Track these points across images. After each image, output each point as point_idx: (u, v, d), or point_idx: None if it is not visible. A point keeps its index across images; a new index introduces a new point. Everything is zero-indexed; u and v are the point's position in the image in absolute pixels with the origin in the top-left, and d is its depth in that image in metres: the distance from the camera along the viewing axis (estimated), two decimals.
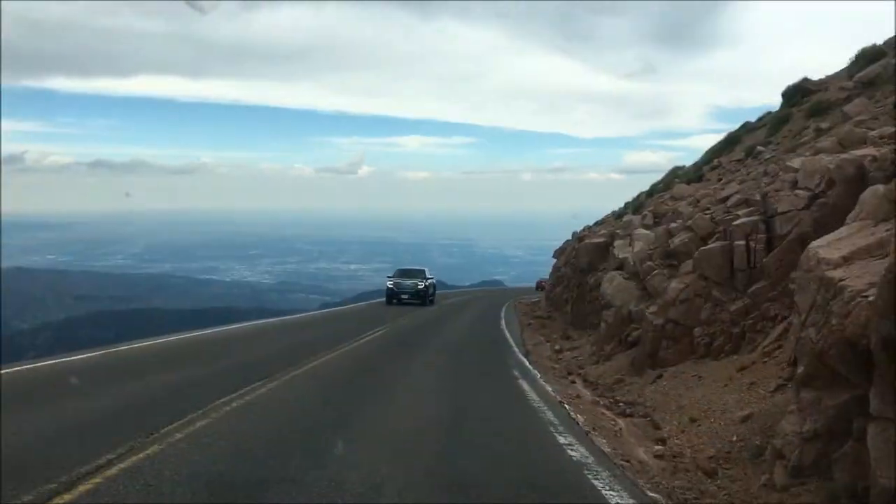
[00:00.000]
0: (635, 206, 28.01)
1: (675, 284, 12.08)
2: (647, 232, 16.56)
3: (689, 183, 22.39)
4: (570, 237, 36.35)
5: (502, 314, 29.60)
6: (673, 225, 14.81)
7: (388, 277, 33.42)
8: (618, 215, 30.51)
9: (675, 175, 28.30)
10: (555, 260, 38.27)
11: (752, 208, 11.80)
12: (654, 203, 21.78)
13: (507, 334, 21.07)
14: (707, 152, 27.29)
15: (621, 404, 10.36)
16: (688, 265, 12.31)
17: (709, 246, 11.98)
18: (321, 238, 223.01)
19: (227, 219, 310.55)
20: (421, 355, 14.69)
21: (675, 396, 9.70)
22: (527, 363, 14.38)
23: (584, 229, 33.28)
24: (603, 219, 33.72)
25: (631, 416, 9.48)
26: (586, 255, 22.48)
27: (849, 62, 20.15)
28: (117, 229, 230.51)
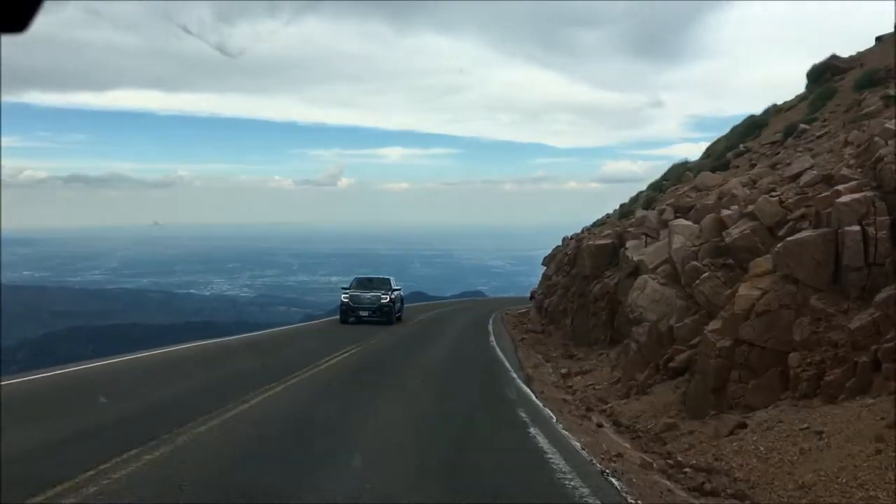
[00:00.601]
0: (646, 202, 24.04)
1: (745, 291, 8.96)
2: (689, 223, 13.12)
3: (714, 171, 19.36)
4: (559, 243, 34.35)
5: (490, 328, 26.76)
6: (726, 213, 11.87)
7: (344, 289, 26.85)
8: (622, 214, 26.73)
9: (686, 168, 25.28)
10: (544, 268, 35.95)
11: (849, 184, 8.88)
12: (674, 197, 18.64)
13: (500, 353, 18.29)
14: (722, 139, 25.33)
15: (688, 470, 6.94)
16: (761, 264, 9.31)
17: (799, 236, 8.82)
18: (301, 251, 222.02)
19: (205, 232, 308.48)
20: (395, 388, 11.86)
21: (782, 464, 6.27)
22: (532, 396, 11.46)
23: (582, 231, 30.15)
24: (602, 219, 30.90)
25: (715, 494, 6.12)
26: (589, 259, 19.93)
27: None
28: (94, 244, 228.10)
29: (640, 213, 19.78)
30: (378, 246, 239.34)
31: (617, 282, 17.06)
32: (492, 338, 22.64)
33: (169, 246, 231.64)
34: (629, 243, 16.85)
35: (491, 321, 30.00)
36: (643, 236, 16.51)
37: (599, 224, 29.60)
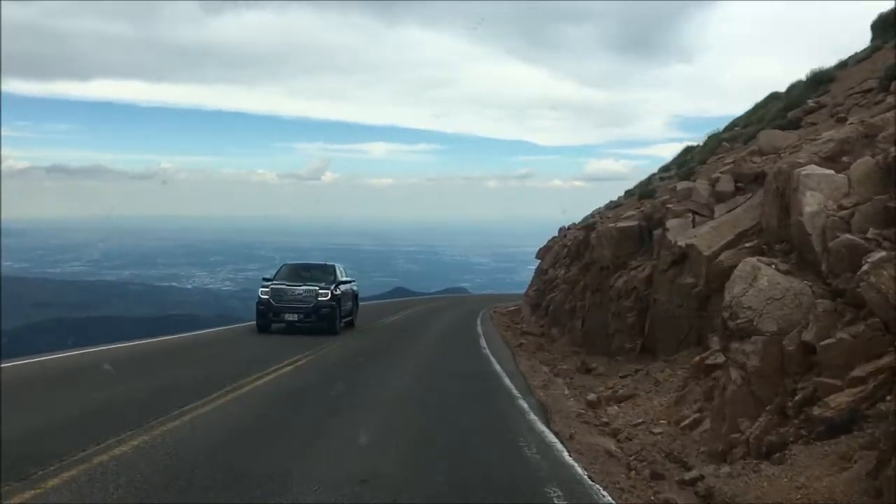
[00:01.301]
0: (683, 174, 19.13)
1: None
2: (829, 172, 8.27)
3: (782, 129, 14.97)
4: (549, 238, 32.84)
5: (479, 328, 24.15)
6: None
7: (265, 281, 19.86)
8: (643, 194, 21.25)
9: (717, 138, 21.27)
10: (539, 261, 33.53)
11: None
12: (735, 161, 14.28)
13: (497, 366, 14.53)
14: (758, 106, 21.96)
15: None
16: None
17: None
18: (284, 245, 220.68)
19: (187, 225, 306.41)
20: (345, 432, 7.83)
21: None
22: (558, 446, 7.64)
23: (594, 215, 26.12)
24: (617, 201, 26.22)
25: None
26: (610, 246, 16.33)
27: None
28: (75, 235, 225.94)
29: (682, 185, 15.40)
30: (361, 241, 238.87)
31: (650, 273, 13.97)
32: (483, 341, 19.42)
33: (150, 238, 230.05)
34: (671, 223, 13.38)
35: (479, 320, 27.99)
36: (689, 214, 13.21)
37: (613, 206, 25.14)
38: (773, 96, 21.30)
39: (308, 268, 21.38)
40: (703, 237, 11.67)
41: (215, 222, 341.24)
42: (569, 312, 20.14)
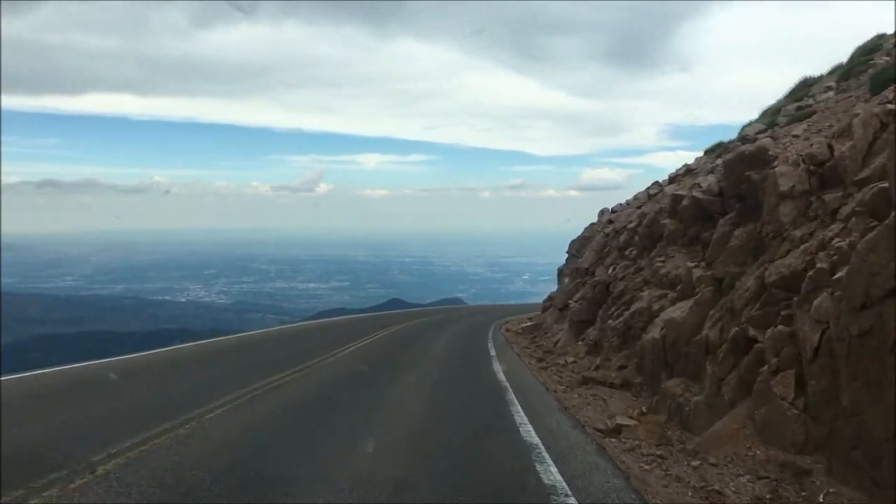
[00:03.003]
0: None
1: None
2: None
3: None
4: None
5: (496, 363, 15.15)
6: None
7: None
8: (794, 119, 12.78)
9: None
10: (567, 257, 27.27)
11: None
12: None
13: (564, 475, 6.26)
14: None
15: None
16: None
17: None
18: (278, 257, 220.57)
19: (180, 238, 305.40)
20: None
21: None
22: None
23: (654, 187, 21.20)
24: (689, 165, 19.06)
25: None
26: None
27: None
28: (67, 250, 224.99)
29: None
30: (356, 252, 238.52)
31: None
32: (517, 405, 9.92)
33: (144, 252, 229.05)
34: None
35: (491, 343, 20.19)
36: None
37: (684, 173, 18.66)
38: None
39: None
40: None
41: (209, 235, 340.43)
42: (731, 356, 8.66)
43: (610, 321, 15.39)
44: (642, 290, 14.34)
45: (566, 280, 25.11)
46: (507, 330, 25.98)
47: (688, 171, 18.78)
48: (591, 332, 17.34)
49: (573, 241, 27.66)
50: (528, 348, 20.03)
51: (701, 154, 19.97)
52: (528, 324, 26.28)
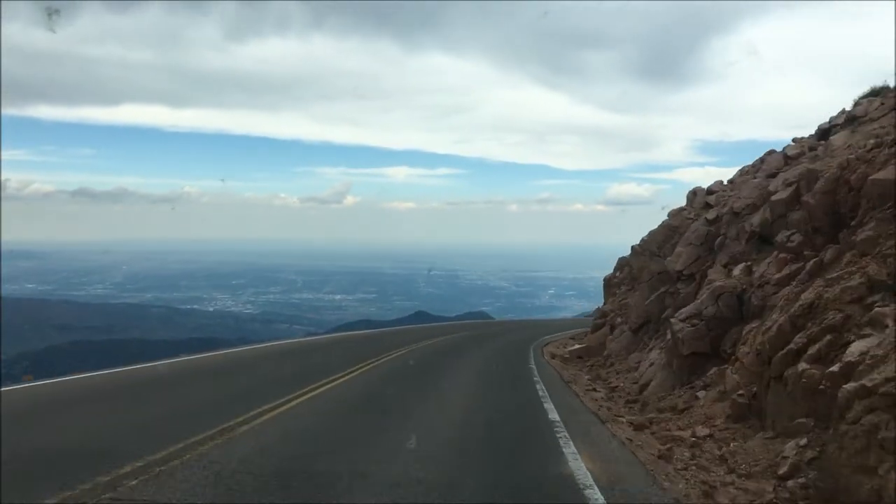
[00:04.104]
0: None
1: None
2: None
3: None
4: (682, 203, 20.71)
5: (562, 434, 8.42)
6: None
7: None
8: None
9: None
10: (629, 257, 22.72)
11: None
12: None
13: None
14: None
15: None
16: None
17: None
18: (305, 268, 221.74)
19: (210, 248, 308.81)
20: None
21: None
22: None
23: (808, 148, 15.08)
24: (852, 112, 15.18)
25: None
26: None
27: None
28: (98, 258, 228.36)
29: None
30: (383, 264, 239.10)
31: None
32: None
33: (173, 261, 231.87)
34: None
35: (541, 388, 13.01)
36: None
37: (850, 122, 14.74)
38: None
39: None
40: None
41: (238, 245, 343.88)
42: None
43: (800, 365, 7.11)
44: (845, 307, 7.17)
45: (644, 288, 18.79)
46: (553, 356, 20.70)
47: (849, 118, 14.87)
48: (723, 377, 10.15)
49: (653, 231, 21.71)
50: (594, 390, 14.04)
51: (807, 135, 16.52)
52: (576, 346, 22.11)
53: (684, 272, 15.93)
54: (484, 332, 33.96)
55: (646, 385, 13.22)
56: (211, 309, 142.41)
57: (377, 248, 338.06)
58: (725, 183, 19.89)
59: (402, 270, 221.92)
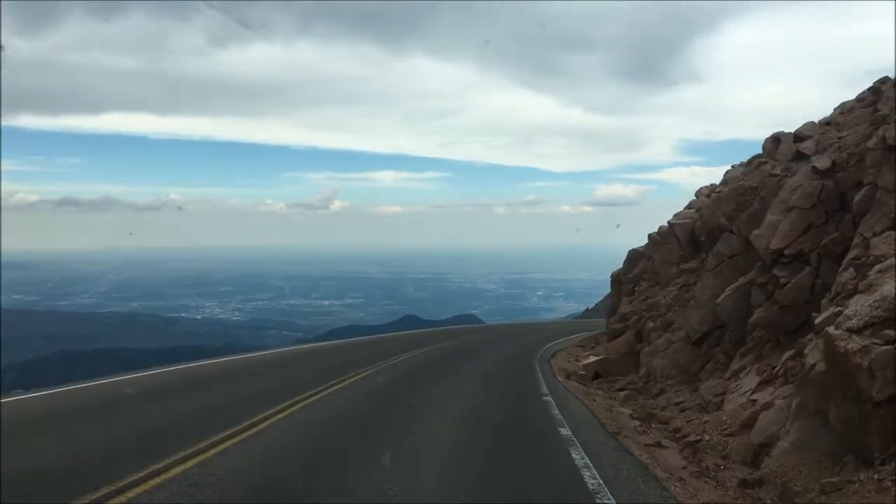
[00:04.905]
0: None
1: None
2: None
3: None
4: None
5: None
6: None
7: None
8: None
9: None
10: (660, 234, 18.38)
11: None
12: None
13: None
14: None
15: None
16: None
17: None
18: (293, 274, 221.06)
19: (196, 255, 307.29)
20: None
21: None
22: None
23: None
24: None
25: None
26: None
27: None
28: (84, 268, 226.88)
29: None
30: (371, 269, 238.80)
31: None
32: None
33: (160, 269, 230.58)
34: None
35: (599, 482, 6.15)
36: None
37: None
38: None
39: None
40: None
41: (225, 252, 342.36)
42: None
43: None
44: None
45: (708, 278, 14.21)
46: (568, 375, 16.46)
47: None
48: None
49: (701, 189, 17.36)
50: (659, 445, 8.59)
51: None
52: (591, 359, 18.23)
53: (786, 251, 10.95)
54: (474, 339, 29.22)
55: (767, 446, 7.44)
56: (199, 317, 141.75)
57: (365, 253, 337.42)
58: (818, 124, 14.87)
59: (390, 275, 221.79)
